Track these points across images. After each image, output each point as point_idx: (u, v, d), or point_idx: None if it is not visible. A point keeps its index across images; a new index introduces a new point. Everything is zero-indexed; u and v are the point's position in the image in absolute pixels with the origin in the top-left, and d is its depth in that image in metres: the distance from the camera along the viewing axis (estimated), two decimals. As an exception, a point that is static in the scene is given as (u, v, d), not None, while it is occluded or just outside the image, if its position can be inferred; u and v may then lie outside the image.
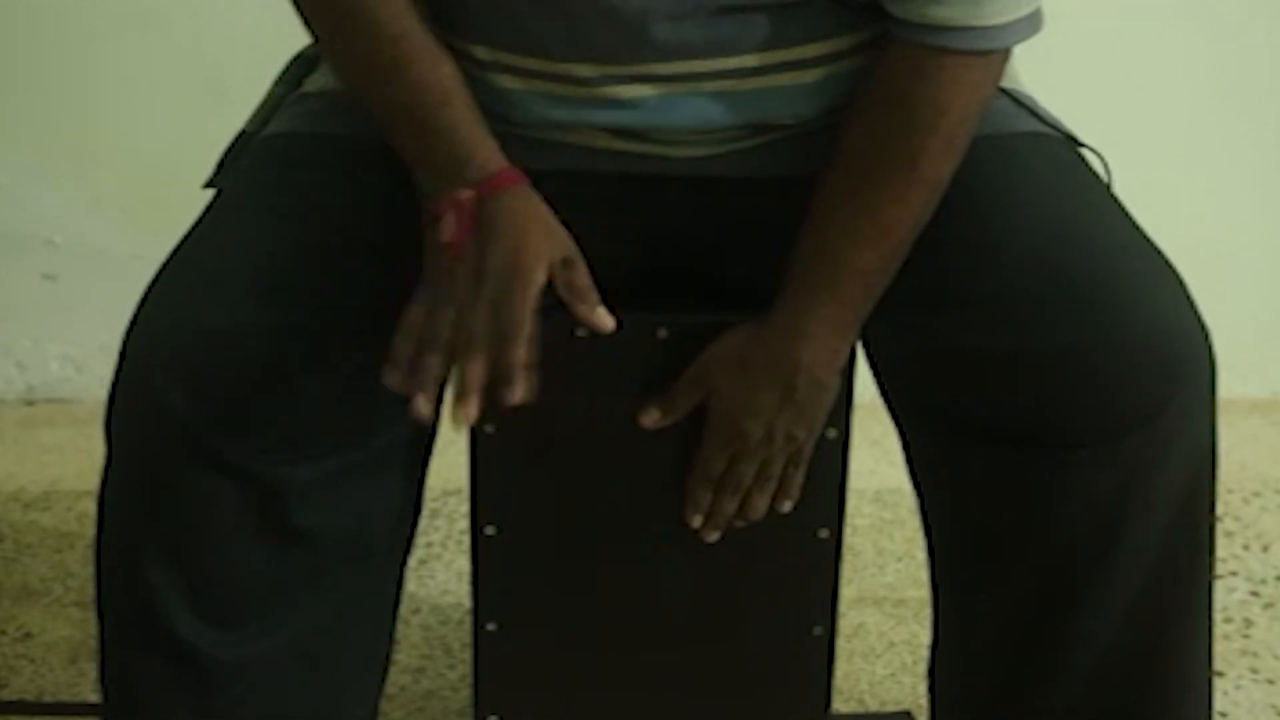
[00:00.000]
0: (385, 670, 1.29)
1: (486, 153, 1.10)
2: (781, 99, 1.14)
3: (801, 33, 1.11)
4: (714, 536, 1.23)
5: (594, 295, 1.08)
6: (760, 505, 1.21)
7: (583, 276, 1.08)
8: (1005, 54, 1.10)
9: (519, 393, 1.03)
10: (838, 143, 1.12)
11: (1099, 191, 1.19)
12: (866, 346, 1.22)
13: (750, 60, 1.11)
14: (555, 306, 1.09)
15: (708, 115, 1.13)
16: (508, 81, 1.13)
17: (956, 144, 1.10)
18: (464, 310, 1.05)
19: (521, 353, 1.03)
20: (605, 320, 1.08)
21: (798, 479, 1.21)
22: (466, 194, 1.07)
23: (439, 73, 1.10)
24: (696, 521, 1.22)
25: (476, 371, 1.04)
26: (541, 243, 1.07)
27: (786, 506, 1.22)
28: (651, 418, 1.19)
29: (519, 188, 1.09)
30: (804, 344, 1.14)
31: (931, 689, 1.34)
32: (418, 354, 1.06)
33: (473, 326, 1.04)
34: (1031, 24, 1.08)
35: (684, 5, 1.07)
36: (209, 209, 1.18)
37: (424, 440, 1.23)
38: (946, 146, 1.10)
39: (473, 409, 1.03)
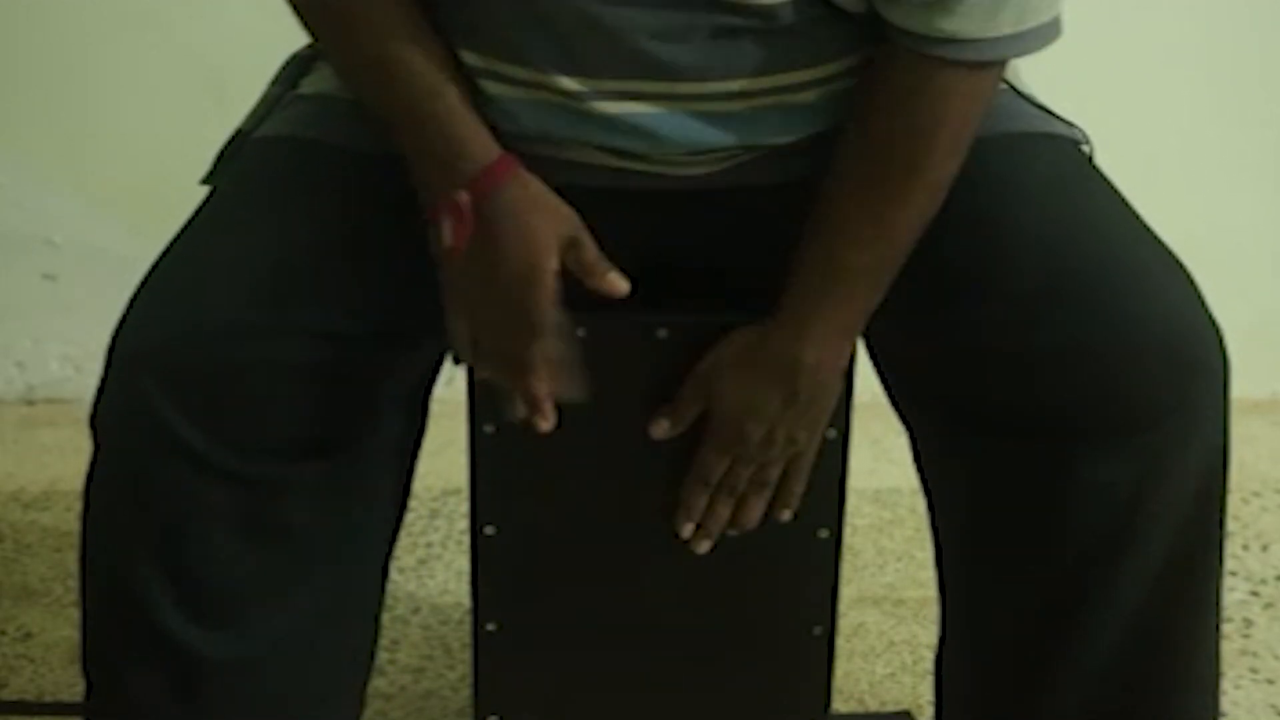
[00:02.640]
0: (370, 667, 1.29)
1: (480, 143, 1.10)
2: (772, 122, 1.14)
3: (794, 57, 1.11)
4: (705, 546, 1.23)
5: (603, 265, 1.10)
6: (755, 513, 1.21)
7: (590, 251, 1.10)
8: (1005, 61, 1.10)
9: (546, 422, 1.12)
10: (840, 146, 1.12)
11: (1108, 190, 1.19)
12: (871, 344, 1.22)
13: (741, 84, 1.11)
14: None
15: (699, 136, 1.13)
16: (497, 88, 1.12)
17: (960, 146, 1.10)
18: (477, 318, 1.10)
19: (537, 355, 1.09)
20: (619, 285, 1.10)
21: (798, 488, 1.21)
22: (462, 196, 1.08)
23: (429, 64, 1.10)
24: (687, 531, 1.22)
25: (536, 386, 1.11)
26: (547, 232, 1.09)
27: (786, 516, 1.22)
28: (661, 429, 1.19)
29: (514, 176, 1.09)
30: (807, 345, 1.14)
31: (939, 686, 1.34)
32: (490, 371, 1.13)
33: (488, 336, 1.10)
34: (1050, 30, 1.07)
35: (671, 25, 1.07)
36: (200, 210, 1.18)
37: (412, 440, 1.23)
38: (951, 150, 1.10)
39: (546, 422, 1.12)
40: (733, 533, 1.22)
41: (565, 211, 1.10)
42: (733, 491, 1.20)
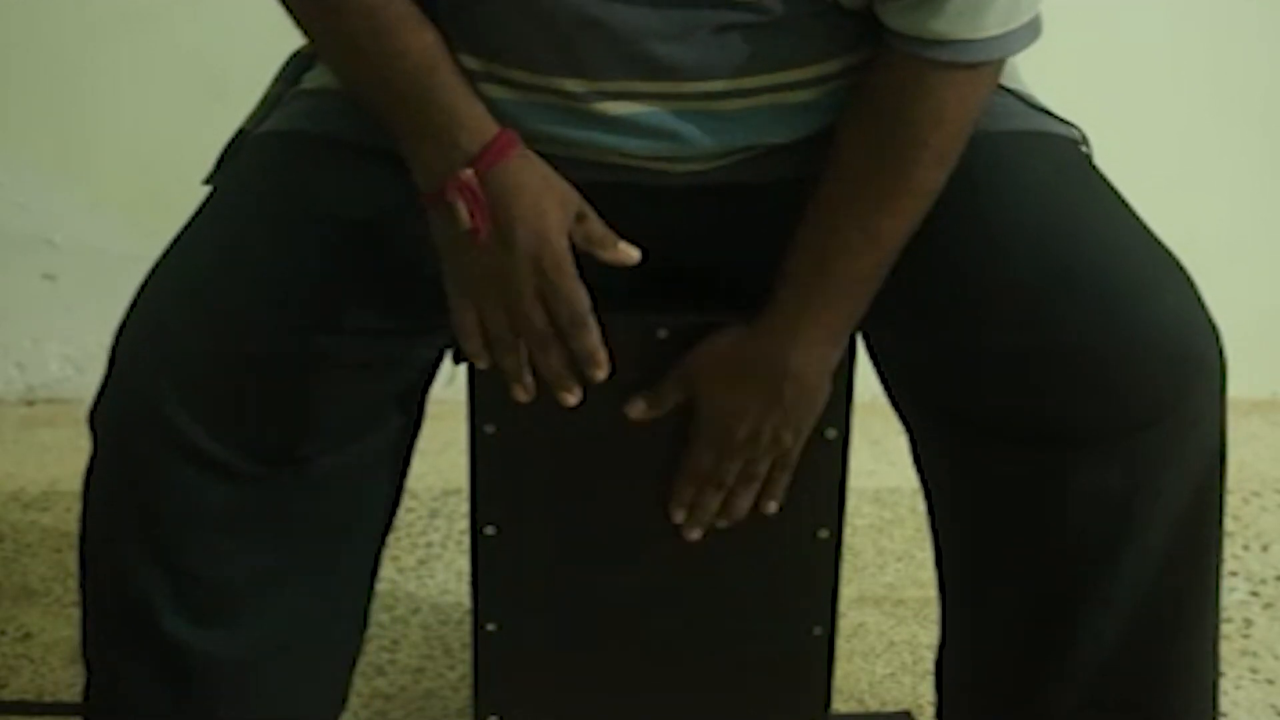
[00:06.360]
0: (356, 658, 1.30)
1: (477, 116, 1.09)
2: (768, 120, 1.14)
3: (793, 55, 1.11)
4: (696, 534, 1.23)
5: (611, 237, 1.11)
6: (743, 504, 1.21)
7: (597, 225, 1.11)
8: (1000, 63, 1.10)
9: (602, 370, 1.11)
10: (831, 153, 1.12)
11: (1107, 190, 1.19)
12: (871, 345, 1.22)
13: (740, 82, 1.11)
14: None
15: (699, 135, 1.13)
16: (498, 92, 1.12)
17: (950, 154, 1.11)
18: (519, 308, 1.09)
19: (594, 334, 1.10)
20: (630, 253, 1.12)
21: (784, 481, 1.21)
22: (468, 174, 1.07)
23: (421, 40, 1.09)
24: (679, 516, 1.22)
25: (557, 362, 1.11)
26: (556, 211, 1.10)
27: (772, 508, 1.22)
28: (637, 409, 1.19)
29: (516, 152, 1.09)
30: (794, 350, 1.14)
31: (939, 686, 1.34)
32: (497, 357, 1.12)
33: (536, 325, 1.10)
34: (1031, 31, 1.08)
35: (676, 25, 1.07)
36: (203, 206, 1.18)
37: (409, 438, 1.24)
38: (941, 157, 1.10)
39: (573, 395, 1.12)
40: (722, 523, 1.22)
41: (564, 188, 1.11)
42: (720, 486, 1.21)
